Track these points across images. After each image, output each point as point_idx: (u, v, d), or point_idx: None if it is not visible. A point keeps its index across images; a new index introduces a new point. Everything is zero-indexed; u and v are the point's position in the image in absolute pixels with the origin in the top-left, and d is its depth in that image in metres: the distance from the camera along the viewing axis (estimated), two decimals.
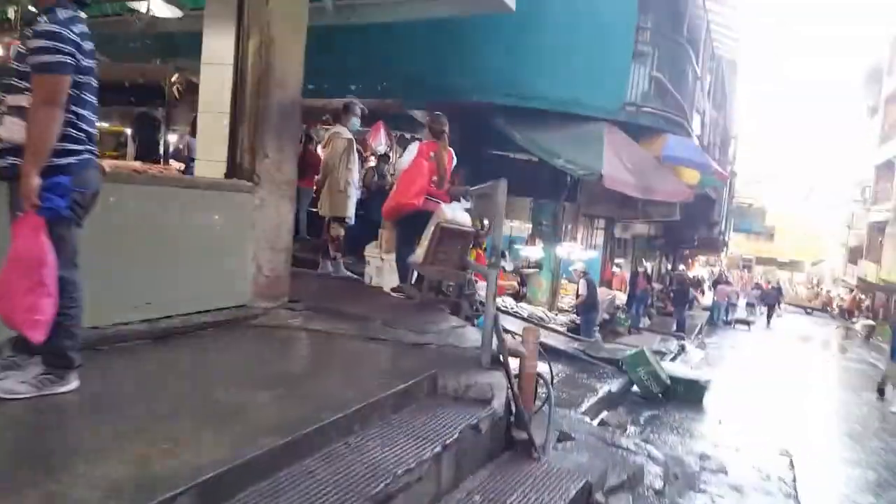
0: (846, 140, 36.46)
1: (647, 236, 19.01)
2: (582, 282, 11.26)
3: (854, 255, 33.60)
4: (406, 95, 8.22)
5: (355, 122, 5.96)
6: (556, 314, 11.16)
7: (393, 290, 5.41)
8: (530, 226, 11.39)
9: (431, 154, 5.29)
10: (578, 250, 13.06)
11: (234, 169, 4.10)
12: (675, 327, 16.42)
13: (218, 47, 4.06)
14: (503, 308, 9.60)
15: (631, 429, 5.95)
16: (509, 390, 3.87)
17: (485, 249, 11.52)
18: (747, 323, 22.60)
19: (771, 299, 26.57)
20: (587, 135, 8.44)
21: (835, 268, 40.93)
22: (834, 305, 33.92)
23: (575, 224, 12.91)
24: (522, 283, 12.44)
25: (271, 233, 4.35)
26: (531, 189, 10.18)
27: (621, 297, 16.09)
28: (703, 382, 7.82)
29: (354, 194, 5.98)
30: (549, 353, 8.26)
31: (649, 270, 22.01)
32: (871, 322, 23.89)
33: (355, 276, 6.01)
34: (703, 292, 27.69)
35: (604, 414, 5.72)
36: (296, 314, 4.51)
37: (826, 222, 44.80)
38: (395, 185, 5.41)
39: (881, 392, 9.29)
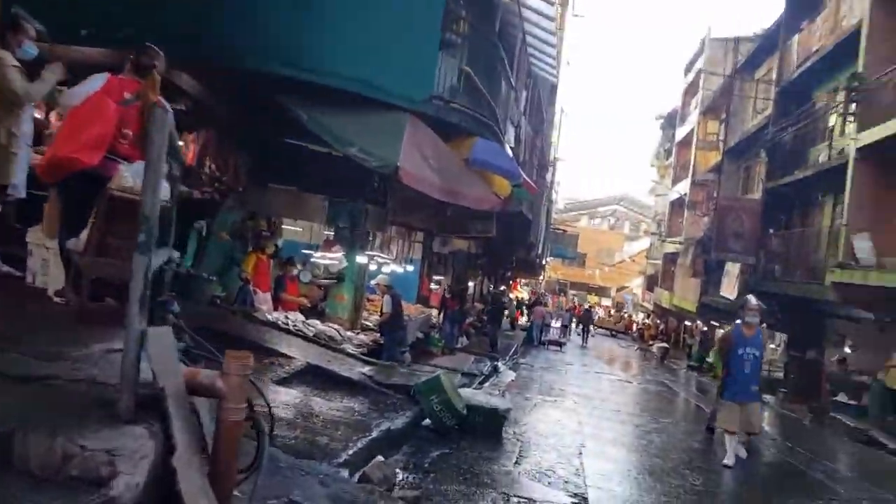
0: (648, 174, 40.25)
1: (467, 253, 18.53)
2: (386, 297, 10.03)
3: (651, 283, 36.99)
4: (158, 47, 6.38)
5: (29, 48, 4.10)
6: (358, 332, 9.74)
7: (57, 293, 3.62)
8: (329, 231, 9.94)
9: (127, 95, 3.65)
10: (389, 261, 11.89)
11: None
12: (489, 347, 15.99)
13: None
14: (283, 324, 8.00)
15: (406, 478, 4.71)
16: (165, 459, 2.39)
17: (271, 256, 9.93)
18: (560, 344, 23.18)
19: (586, 321, 28.42)
20: (387, 124, 7.24)
21: (636, 294, 44.97)
22: (634, 328, 36.88)
23: (386, 233, 11.71)
24: (325, 298, 10.98)
25: None
26: (327, 186, 8.75)
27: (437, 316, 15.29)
28: (503, 412, 6.91)
29: (26, 154, 4.08)
30: (328, 380, 6.83)
31: (471, 289, 21.70)
32: (665, 345, 25.89)
33: (16, 273, 4.09)
34: (521, 313, 28.42)
35: (371, 464, 4.40)
36: None
37: (629, 251, 49.42)
38: (58, 129, 3.66)
39: (710, 430, 8.60)
